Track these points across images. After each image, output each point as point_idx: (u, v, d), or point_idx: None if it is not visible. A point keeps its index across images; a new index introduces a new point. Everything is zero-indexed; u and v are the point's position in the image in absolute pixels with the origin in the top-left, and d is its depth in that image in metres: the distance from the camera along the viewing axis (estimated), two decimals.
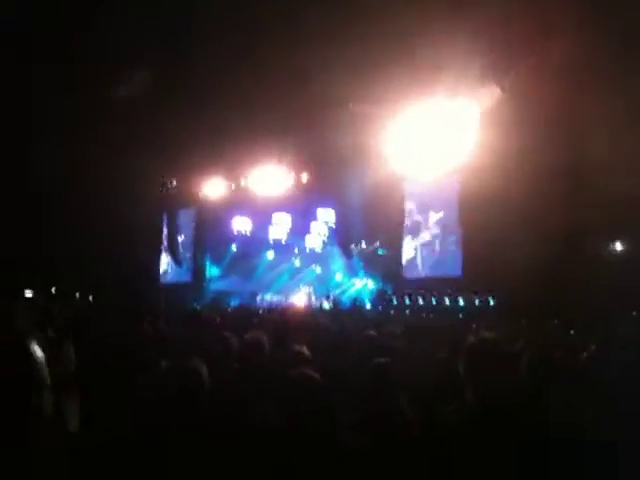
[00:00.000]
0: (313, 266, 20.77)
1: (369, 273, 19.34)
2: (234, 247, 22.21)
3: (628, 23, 10.95)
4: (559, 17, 11.32)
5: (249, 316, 9.15)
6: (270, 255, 21.67)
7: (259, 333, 3.36)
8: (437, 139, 15.32)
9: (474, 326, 7.03)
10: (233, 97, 14.47)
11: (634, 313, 9.87)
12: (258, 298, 20.24)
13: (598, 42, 11.13)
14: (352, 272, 19.87)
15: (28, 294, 17.16)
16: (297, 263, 21.17)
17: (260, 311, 12.40)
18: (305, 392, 2.24)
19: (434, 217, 17.97)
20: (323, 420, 2.20)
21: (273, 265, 21.58)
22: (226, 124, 15.63)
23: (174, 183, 21.96)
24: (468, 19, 11.46)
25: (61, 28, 13.46)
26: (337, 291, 19.53)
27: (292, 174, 19.54)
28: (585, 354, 2.47)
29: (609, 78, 11.43)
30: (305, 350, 3.14)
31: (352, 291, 19.38)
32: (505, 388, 2.29)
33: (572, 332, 6.38)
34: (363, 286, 19.34)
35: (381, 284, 18.77)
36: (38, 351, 1.54)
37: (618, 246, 13.79)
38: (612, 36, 11.15)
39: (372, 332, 4.77)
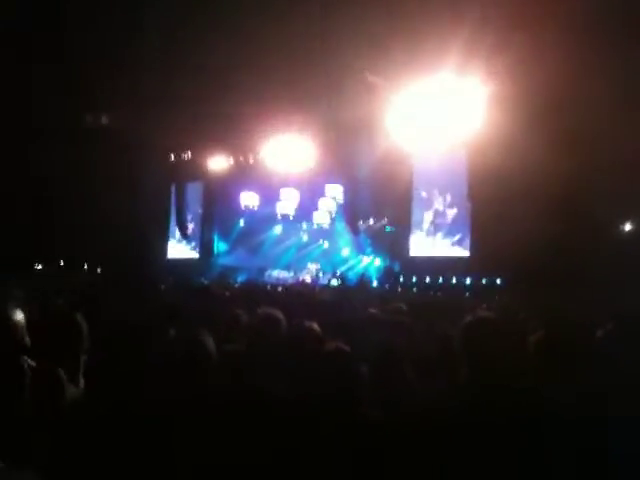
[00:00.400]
0: (320, 241, 20.78)
1: (376, 250, 19.33)
2: (242, 222, 22.20)
3: None
4: None
5: (257, 292, 9.19)
6: (278, 230, 21.68)
7: (274, 309, 3.35)
8: (444, 115, 15.25)
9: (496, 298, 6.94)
10: (241, 68, 14.32)
11: None
12: (266, 274, 20.28)
13: (605, 18, 11.03)
14: (359, 249, 19.87)
15: (38, 267, 17.31)
16: (305, 238, 21.18)
17: (268, 287, 12.44)
18: (341, 366, 2.28)
19: (442, 193, 17.97)
20: (352, 395, 2.24)
21: (280, 240, 21.59)
22: (234, 97, 15.51)
23: (189, 155, 21.78)
24: None
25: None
26: (344, 268, 19.54)
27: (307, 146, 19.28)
28: (600, 332, 2.42)
29: (617, 50, 11.32)
30: (316, 326, 3.14)
31: (359, 268, 19.39)
32: (506, 368, 2.25)
33: (582, 308, 6.33)
34: (370, 263, 19.34)
35: (388, 261, 18.76)
36: (17, 317, 1.58)
37: (628, 223, 13.72)
38: (619, 12, 11.05)
39: (374, 310, 4.79)
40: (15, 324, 1.59)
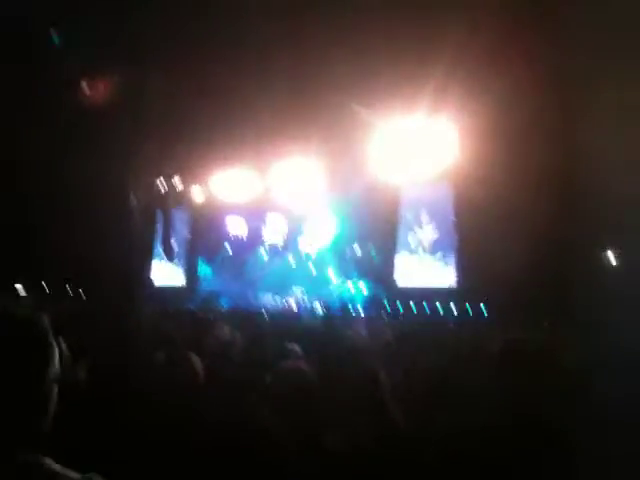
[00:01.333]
0: (306, 268, 20.73)
1: (362, 278, 19.33)
2: (227, 247, 22.16)
3: (608, 34, 11.15)
4: (538, 29, 11.58)
5: (241, 316, 9.16)
6: (263, 255, 21.64)
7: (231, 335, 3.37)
8: (425, 148, 15.84)
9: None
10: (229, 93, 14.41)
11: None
12: (251, 298, 20.17)
13: (582, 51, 11.32)
14: (345, 276, 19.85)
15: (21, 292, 17.04)
16: (290, 263, 21.14)
17: (252, 312, 12.39)
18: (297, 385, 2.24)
19: (428, 213, 18.24)
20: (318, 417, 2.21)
21: (266, 265, 21.53)
22: (221, 125, 15.60)
23: (176, 180, 21.74)
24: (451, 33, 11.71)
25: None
26: (329, 294, 19.49)
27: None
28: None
29: (599, 80, 11.59)
30: (297, 347, 3.15)
31: (345, 294, 19.34)
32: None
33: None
34: (356, 291, 19.31)
35: (374, 289, 18.76)
36: None
37: (615, 253, 13.83)
38: (596, 45, 11.32)
39: (359, 339, 4.80)
40: None
